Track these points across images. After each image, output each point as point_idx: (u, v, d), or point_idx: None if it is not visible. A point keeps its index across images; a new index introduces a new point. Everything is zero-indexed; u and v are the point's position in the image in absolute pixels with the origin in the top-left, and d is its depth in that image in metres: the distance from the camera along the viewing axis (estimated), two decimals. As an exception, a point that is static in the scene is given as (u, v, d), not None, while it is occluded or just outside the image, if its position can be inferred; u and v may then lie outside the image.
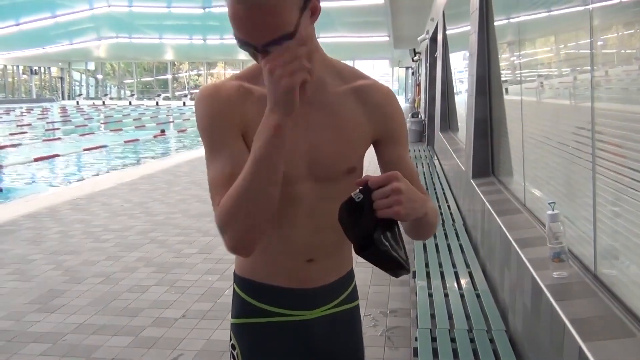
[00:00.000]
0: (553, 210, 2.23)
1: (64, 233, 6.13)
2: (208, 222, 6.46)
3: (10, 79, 45.55)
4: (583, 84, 2.51)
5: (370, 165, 1.35)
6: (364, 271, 4.57)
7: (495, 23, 4.58)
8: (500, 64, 4.53)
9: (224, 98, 1.22)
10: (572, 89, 2.76)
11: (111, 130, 21.71)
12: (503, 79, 4.47)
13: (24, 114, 31.03)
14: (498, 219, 3.31)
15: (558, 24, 3.11)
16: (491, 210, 3.57)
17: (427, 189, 7.25)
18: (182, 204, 7.65)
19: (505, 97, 4.32)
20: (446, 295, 3.42)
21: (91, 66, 52.25)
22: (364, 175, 1.13)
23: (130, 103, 42.75)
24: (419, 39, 15.52)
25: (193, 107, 1.30)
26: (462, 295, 3.39)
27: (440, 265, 4.01)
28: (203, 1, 29.62)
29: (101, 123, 25.67)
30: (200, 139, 1.26)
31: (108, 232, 6.16)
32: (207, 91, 1.25)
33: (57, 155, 13.97)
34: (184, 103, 40.25)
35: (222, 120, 1.20)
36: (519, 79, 3.86)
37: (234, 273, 1.46)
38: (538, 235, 2.80)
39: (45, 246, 5.63)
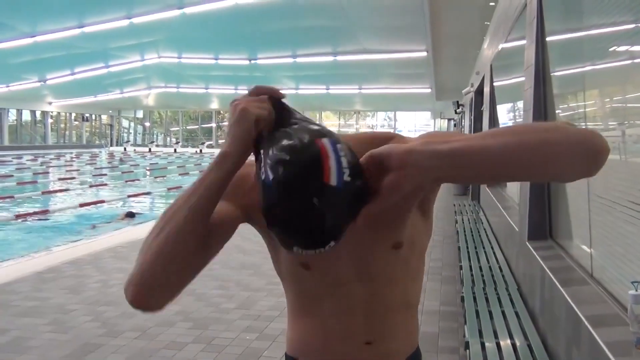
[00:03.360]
0: (637, 291, 1.99)
1: (104, 282, 6.07)
2: (248, 275, 6.31)
3: (62, 125, 47.47)
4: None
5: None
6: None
7: (553, 74, 4.41)
8: (559, 118, 4.33)
9: (243, 172, 1.06)
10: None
11: (155, 177, 22.15)
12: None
13: (73, 159, 32.10)
14: (562, 290, 3.04)
15: (630, 72, 2.92)
16: (553, 278, 3.30)
17: (474, 246, 6.96)
18: (221, 254, 7.46)
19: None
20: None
21: (139, 114, 54.07)
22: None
23: (175, 150, 43.80)
24: (463, 92, 15.42)
25: None
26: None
27: (495, 334, 3.72)
28: (249, 53, 30.46)
29: (147, 169, 26.25)
30: None
31: (147, 282, 6.06)
32: None
33: (102, 202, 14.22)
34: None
35: (228, 189, 1.04)
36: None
37: (285, 354, 1.34)
38: (612, 312, 2.53)
39: (85, 296, 5.57)
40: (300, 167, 0.88)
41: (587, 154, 0.90)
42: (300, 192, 0.87)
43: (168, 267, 0.96)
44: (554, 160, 0.89)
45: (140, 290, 0.96)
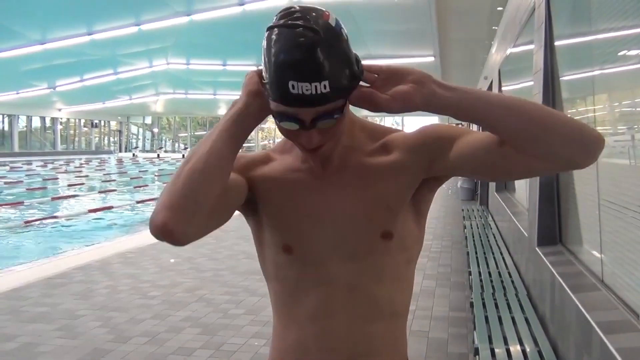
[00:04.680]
0: (649, 296, 1.97)
1: (113, 288, 6.09)
2: (256, 280, 6.31)
3: (72, 131, 47.78)
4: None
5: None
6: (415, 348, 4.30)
7: (562, 79, 4.40)
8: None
9: (251, 154, 1.28)
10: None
11: (164, 183, 22.25)
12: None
13: (82, 165, 32.28)
14: (573, 296, 3.02)
15: (639, 76, 2.90)
16: (563, 284, 3.27)
17: (483, 251, 6.93)
18: (230, 260, 7.56)
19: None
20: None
21: (148, 120, 54.33)
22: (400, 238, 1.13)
23: (183, 156, 43.94)
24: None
25: None
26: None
27: (505, 340, 3.70)
28: (257, 59, 30.55)
29: (155, 175, 26.36)
30: None
31: (156, 288, 6.08)
32: None
33: (111, 207, 14.28)
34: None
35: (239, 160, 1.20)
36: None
37: None
38: (623, 318, 2.51)
39: (94, 301, 5.59)
40: (304, 10, 1.00)
41: (585, 141, 0.96)
42: (302, 20, 0.98)
43: (198, 190, 0.99)
44: (555, 131, 0.94)
45: (171, 214, 0.97)
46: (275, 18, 1.02)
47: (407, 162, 1.14)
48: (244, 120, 1.09)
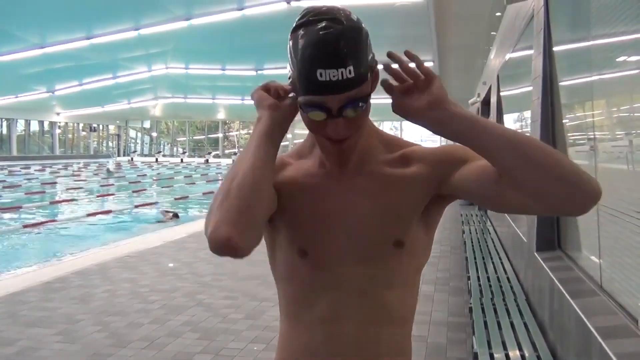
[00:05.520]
0: (648, 302, 1.98)
1: (112, 292, 6.09)
2: (256, 285, 6.31)
3: (70, 135, 47.76)
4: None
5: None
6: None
7: (561, 84, 4.42)
8: (567, 129, 4.33)
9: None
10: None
11: (162, 187, 22.24)
12: (570, 143, 4.25)
13: (81, 169, 32.26)
14: (572, 302, 3.03)
15: (637, 81, 2.92)
16: (562, 290, 3.29)
17: (482, 256, 6.94)
18: (229, 264, 7.55)
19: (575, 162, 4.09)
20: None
21: (147, 124, 54.33)
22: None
23: (182, 160, 43.94)
24: (469, 102, 15.43)
25: None
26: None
27: (504, 345, 3.70)
28: (256, 63, 30.61)
29: (154, 180, 26.35)
30: None
31: (155, 292, 6.08)
32: None
33: (109, 212, 14.27)
34: (233, 161, 41.03)
35: None
36: (592, 142, 3.63)
37: None
38: (621, 323, 2.52)
39: (93, 306, 5.58)
40: (326, 7, 1.07)
41: (581, 188, 0.98)
42: (325, 14, 1.05)
43: (252, 203, 1.04)
44: (550, 170, 0.96)
45: (233, 229, 1.01)
46: (297, 19, 1.08)
47: (423, 176, 1.18)
48: (273, 132, 1.14)
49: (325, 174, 1.22)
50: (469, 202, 14.50)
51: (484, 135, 1.01)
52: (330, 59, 1.02)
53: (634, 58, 2.93)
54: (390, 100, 1.11)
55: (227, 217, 1.01)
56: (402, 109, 1.08)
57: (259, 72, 31.43)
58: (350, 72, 1.02)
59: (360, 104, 1.07)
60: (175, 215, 13.17)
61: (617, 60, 3.24)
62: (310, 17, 1.05)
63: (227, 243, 1.00)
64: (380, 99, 1.23)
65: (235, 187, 1.05)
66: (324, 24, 1.03)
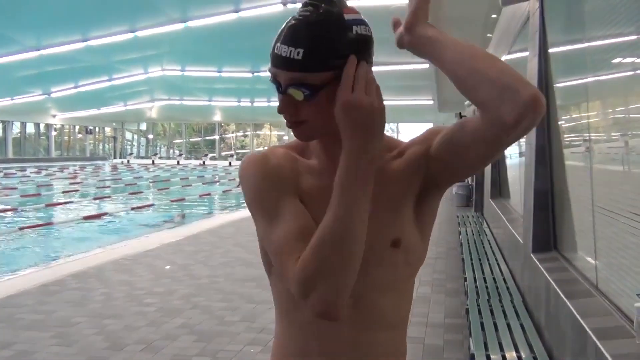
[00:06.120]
0: (643, 302, 1.99)
1: (108, 295, 6.07)
2: (252, 287, 6.31)
3: (66, 138, 47.65)
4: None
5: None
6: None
7: (556, 86, 4.43)
8: (562, 130, 4.34)
9: (274, 162, 1.17)
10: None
11: (158, 190, 22.20)
12: (566, 145, 4.27)
13: (77, 171, 32.18)
14: (568, 303, 3.04)
15: (632, 83, 2.94)
16: (558, 291, 3.29)
17: (479, 258, 6.95)
18: (225, 267, 7.54)
19: (569, 164, 4.10)
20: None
21: (143, 126, 54.23)
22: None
23: (178, 162, 43.89)
24: (466, 103, 15.45)
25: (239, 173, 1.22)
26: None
27: (501, 347, 3.71)
28: (252, 66, 30.60)
29: (150, 182, 26.30)
30: (248, 210, 1.16)
31: (151, 295, 6.07)
32: (254, 157, 1.19)
33: (106, 214, 14.24)
34: (230, 163, 41.06)
35: (276, 182, 1.14)
36: (587, 144, 3.65)
37: None
38: (617, 324, 2.53)
39: (89, 308, 5.56)
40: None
41: (513, 90, 1.00)
42: (313, 4, 1.07)
43: (353, 277, 1.04)
44: (485, 72, 1.04)
45: (340, 301, 1.03)
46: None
47: (414, 155, 1.18)
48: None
49: (325, 175, 1.17)
50: (466, 204, 14.55)
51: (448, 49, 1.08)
52: (286, 35, 1.07)
53: (628, 60, 2.95)
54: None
55: (343, 296, 1.03)
56: (399, 42, 1.16)
57: (255, 74, 31.41)
58: (298, 54, 1.05)
59: (304, 90, 1.07)
60: (182, 216, 13.90)
61: (612, 61, 3.25)
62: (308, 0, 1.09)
63: (332, 318, 1.04)
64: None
65: (347, 256, 1.02)
66: (306, 8, 1.08)
